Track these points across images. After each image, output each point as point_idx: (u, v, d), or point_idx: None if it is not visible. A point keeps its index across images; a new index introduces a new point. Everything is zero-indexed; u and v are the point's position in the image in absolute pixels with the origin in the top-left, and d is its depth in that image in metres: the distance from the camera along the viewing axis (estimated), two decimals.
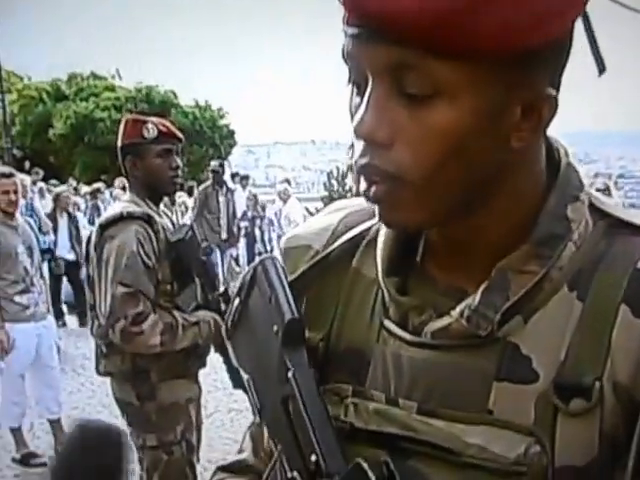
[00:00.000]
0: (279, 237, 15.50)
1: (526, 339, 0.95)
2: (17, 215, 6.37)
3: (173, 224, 3.87)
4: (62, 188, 13.61)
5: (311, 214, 22.00)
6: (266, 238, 16.69)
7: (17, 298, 6.07)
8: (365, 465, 0.86)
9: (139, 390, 3.78)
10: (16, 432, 6.34)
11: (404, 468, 0.94)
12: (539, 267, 0.96)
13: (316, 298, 1.11)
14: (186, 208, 15.42)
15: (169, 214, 4.09)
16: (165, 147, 3.82)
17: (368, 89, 0.90)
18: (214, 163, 13.62)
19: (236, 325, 1.10)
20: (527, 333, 0.95)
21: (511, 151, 0.91)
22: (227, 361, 3.92)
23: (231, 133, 32.69)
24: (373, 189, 0.92)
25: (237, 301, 1.09)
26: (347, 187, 28.32)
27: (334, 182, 28.56)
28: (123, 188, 12.48)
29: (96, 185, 16.09)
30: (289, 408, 0.97)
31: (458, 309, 0.96)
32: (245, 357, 1.10)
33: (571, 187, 1.00)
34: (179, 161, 3.89)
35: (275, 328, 1.00)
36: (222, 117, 32.59)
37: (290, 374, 0.97)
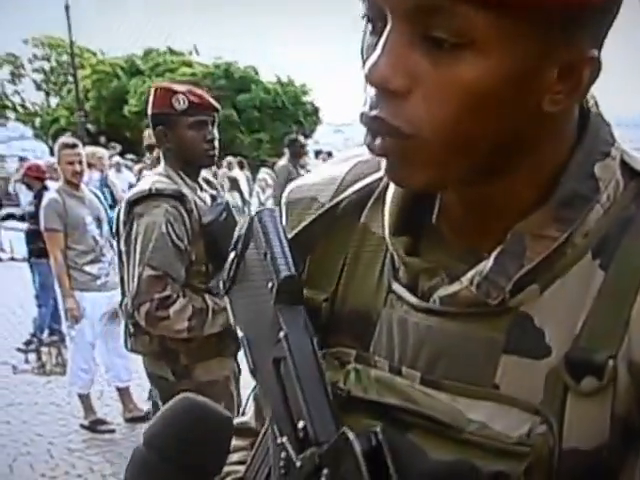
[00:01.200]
0: None
1: (541, 310, 0.89)
2: (82, 186, 6.50)
3: (214, 198, 3.78)
4: (145, 163, 13.61)
5: None
6: None
7: (87, 268, 6.16)
8: (351, 435, 0.82)
9: (173, 368, 3.67)
10: (84, 399, 6.43)
11: (401, 441, 0.91)
12: (559, 232, 0.89)
13: (320, 255, 1.05)
14: (267, 184, 15.85)
15: (215, 186, 3.97)
16: (198, 119, 3.67)
17: (386, 29, 0.81)
18: (292, 136, 12.48)
19: (232, 280, 1.05)
20: (542, 304, 0.89)
21: (542, 114, 0.84)
22: None
23: (315, 110, 32.23)
24: (378, 141, 0.84)
25: (233, 254, 1.05)
26: None
27: None
28: None
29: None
30: (280, 370, 0.93)
31: (469, 275, 0.91)
32: (241, 315, 1.05)
33: (600, 142, 0.92)
34: (215, 133, 3.73)
35: (270, 285, 0.96)
36: (305, 93, 32.05)
37: (282, 334, 0.93)
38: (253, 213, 1.01)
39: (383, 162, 0.86)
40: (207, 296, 3.58)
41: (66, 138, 6.98)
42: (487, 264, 0.89)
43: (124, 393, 6.47)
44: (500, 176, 0.89)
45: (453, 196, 0.94)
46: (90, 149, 10.12)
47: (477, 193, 0.91)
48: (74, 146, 6.40)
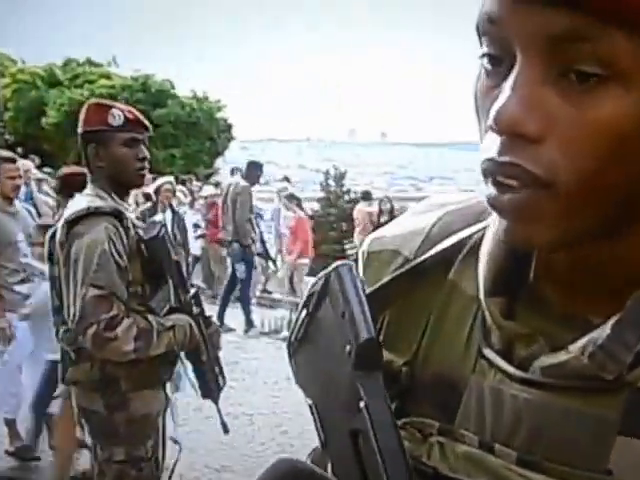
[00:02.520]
0: (278, 237, 15.58)
1: None
2: (15, 201, 6.35)
3: (143, 220, 3.72)
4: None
5: (311, 218, 22.01)
6: (265, 238, 16.58)
7: (17, 287, 6.00)
8: None
9: (108, 399, 3.61)
10: (11, 424, 6.29)
11: None
12: None
13: (401, 314, 0.97)
14: (180, 202, 15.13)
15: (153, 200, 4.00)
16: (132, 136, 3.69)
17: (516, 67, 0.72)
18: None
19: (301, 341, 0.97)
20: None
21: None
22: (196, 369, 3.86)
23: (228, 127, 32.49)
24: (508, 197, 0.74)
25: (304, 313, 0.95)
26: (345, 188, 28.51)
27: (331, 182, 28.72)
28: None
29: None
30: (359, 444, 0.86)
31: (579, 343, 0.80)
32: (310, 379, 0.97)
33: None
34: (146, 152, 3.72)
35: (348, 348, 0.88)
36: (220, 110, 32.42)
37: (362, 404, 0.85)
38: (331, 268, 0.92)
39: (502, 220, 0.77)
40: (150, 316, 3.53)
41: (4, 152, 6.96)
42: (603, 332, 0.79)
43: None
44: (621, 234, 0.79)
45: (559, 255, 0.84)
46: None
47: (589, 252, 0.81)
48: (14, 160, 6.30)
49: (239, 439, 6.53)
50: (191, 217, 15.33)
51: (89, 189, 3.68)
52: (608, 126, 0.71)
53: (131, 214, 3.69)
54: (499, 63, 0.75)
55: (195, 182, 17.69)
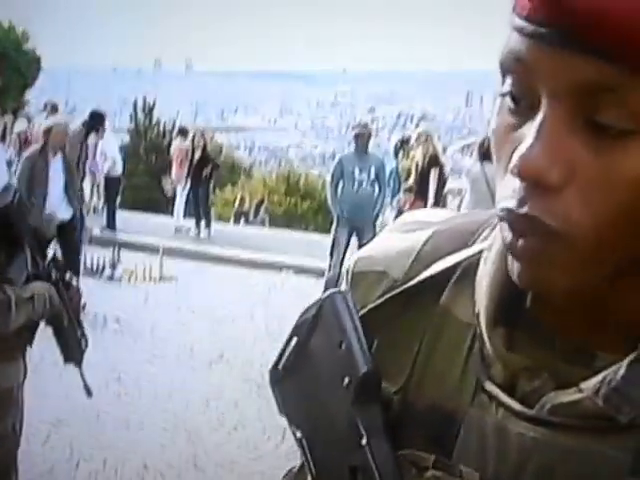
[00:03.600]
0: (92, 172, 15.33)
1: None
2: None
3: None
4: None
5: (121, 149, 21.53)
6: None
7: None
8: None
9: None
10: None
11: None
12: None
13: (391, 339, 0.91)
14: None
15: None
16: None
17: (540, 113, 0.70)
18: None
19: (289, 369, 0.91)
20: None
21: None
22: (58, 334, 3.80)
23: (37, 59, 31.11)
24: (522, 243, 0.72)
25: (294, 341, 0.90)
26: (155, 120, 28.13)
27: (140, 114, 28.29)
28: None
29: None
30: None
31: (592, 383, 0.76)
32: (299, 410, 0.91)
33: None
34: None
35: (346, 381, 0.84)
36: (27, 41, 30.99)
37: (364, 442, 0.82)
38: (324, 296, 0.89)
39: (514, 262, 0.75)
40: (7, 287, 3.42)
41: None
42: (617, 373, 0.75)
43: None
44: (634, 274, 0.76)
45: None
46: None
47: (598, 290, 0.77)
48: None
49: (72, 389, 6.37)
50: (3, 153, 14.89)
51: None
52: (631, 180, 0.68)
53: None
54: (522, 100, 0.72)
55: (5, 115, 17.03)
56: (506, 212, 0.73)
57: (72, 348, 3.84)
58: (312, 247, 14.20)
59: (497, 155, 0.75)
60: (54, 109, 18.20)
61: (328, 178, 11.64)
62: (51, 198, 9.57)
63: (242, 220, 21.28)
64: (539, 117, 0.70)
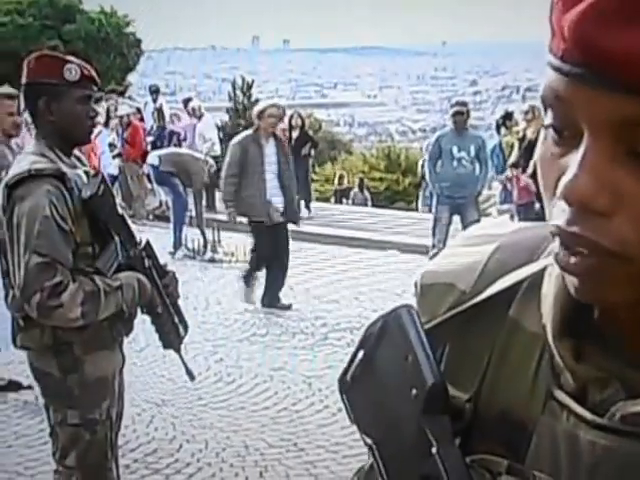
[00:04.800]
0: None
1: None
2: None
3: (88, 174, 3.53)
4: None
5: (220, 129, 21.76)
6: None
7: None
8: None
9: (62, 362, 3.49)
10: None
11: None
12: None
13: (461, 350, 0.95)
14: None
15: (85, 162, 3.80)
16: (86, 93, 3.55)
17: (582, 145, 0.73)
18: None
19: (357, 379, 0.95)
20: None
21: None
22: (155, 322, 3.82)
23: (138, 42, 31.60)
24: (575, 260, 0.75)
25: (361, 353, 0.94)
26: (253, 99, 28.29)
27: (239, 92, 28.49)
28: None
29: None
30: None
31: None
32: (368, 418, 0.95)
33: None
34: (96, 109, 3.61)
35: (414, 392, 0.87)
36: (128, 24, 31.48)
37: (434, 450, 0.84)
38: (389, 310, 0.93)
39: (572, 278, 0.78)
40: (97, 278, 3.43)
41: (4, 88, 6.54)
42: None
43: None
44: None
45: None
46: None
47: None
48: (12, 97, 6.01)
49: (176, 371, 6.48)
50: (106, 136, 15.18)
51: (33, 146, 3.55)
52: None
53: (78, 170, 3.54)
54: (564, 132, 0.76)
55: (107, 101, 17.26)
56: (557, 230, 0.76)
57: (169, 334, 3.85)
58: (415, 225, 14.15)
59: (543, 183, 0.79)
60: (155, 91, 18.47)
61: (426, 157, 11.57)
62: (266, 184, 9.13)
63: (342, 199, 21.22)
64: (582, 149, 0.73)
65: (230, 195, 9.15)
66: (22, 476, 5.28)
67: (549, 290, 0.88)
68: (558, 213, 0.76)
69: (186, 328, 3.96)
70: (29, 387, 6.13)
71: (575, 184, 0.72)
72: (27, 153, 3.56)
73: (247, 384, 6.93)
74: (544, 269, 0.90)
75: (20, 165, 3.46)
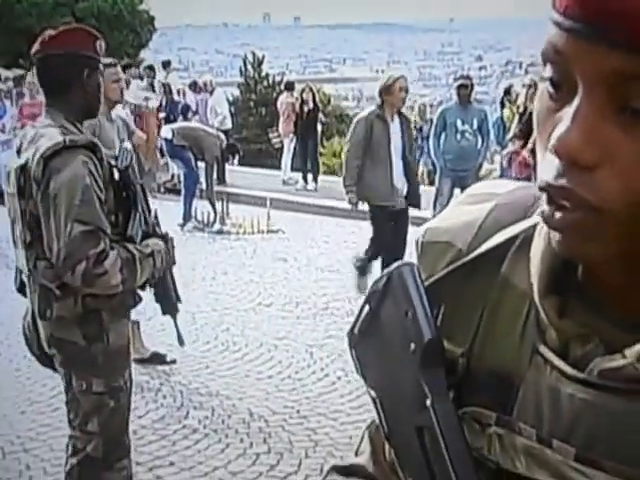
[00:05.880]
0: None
1: None
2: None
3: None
4: None
5: (231, 103, 21.72)
6: None
7: None
8: None
9: (87, 331, 3.47)
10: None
11: None
12: None
13: (456, 306, 0.96)
14: None
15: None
16: (102, 69, 3.64)
17: (576, 99, 0.74)
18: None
19: (363, 334, 0.98)
20: None
21: None
22: (156, 287, 3.84)
23: (151, 19, 31.50)
24: (559, 215, 0.76)
25: (367, 309, 0.97)
26: (264, 73, 28.27)
27: (250, 68, 28.46)
28: None
29: (19, 71, 15.73)
30: (424, 439, 0.87)
31: (635, 350, 0.79)
32: (373, 372, 0.98)
33: None
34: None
35: (412, 347, 0.89)
36: (141, 2, 31.28)
37: (428, 402, 0.86)
38: (393, 267, 0.94)
39: (555, 233, 0.78)
40: (129, 245, 3.44)
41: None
42: None
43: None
44: None
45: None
46: None
47: (635, 259, 0.80)
48: (115, 65, 6.04)
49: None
50: (120, 112, 15.14)
51: (50, 119, 3.49)
52: None
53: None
54: (561, 87, 0.76)
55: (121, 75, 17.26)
56: (545, 184, 0.77)
57: (169, 300, 3.92)
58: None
59: (538, 135, 0.79)
60: (166, 65, 18.45)
61: (432, 130, 11.53)
62: (393, 166, 8.12)
63: None
64: (575, 102, 0.74)
65: (352, 179, 8.09)
66: (34, 441, 5.32)
67: (537, 248, 0.89)
68: (547, 167, 0.76)
69: (178, 297, 4.01)
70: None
71: (566, 137, 0.73)
72: (46, 126, 3.47)
73: (252, 353, 6.95)
74: (535, 226, 0.91)
75: (51, 137, 3.37)
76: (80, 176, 3.27)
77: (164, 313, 3.98)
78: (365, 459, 1.12)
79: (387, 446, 1.05)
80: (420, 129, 15.87)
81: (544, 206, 0.78)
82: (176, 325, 4.04)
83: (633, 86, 0.71)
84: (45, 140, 3.35)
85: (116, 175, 3.45)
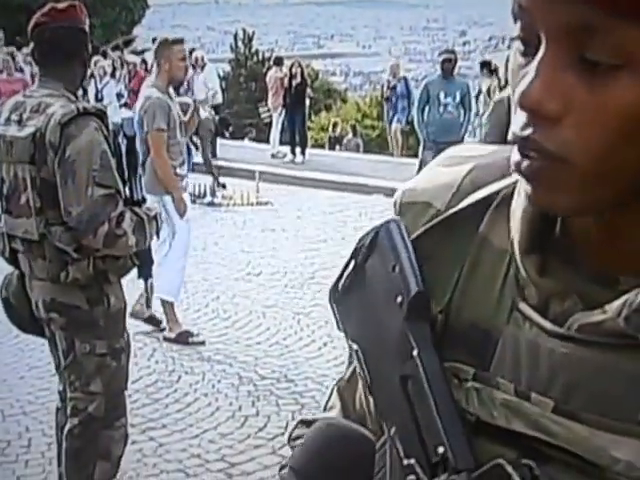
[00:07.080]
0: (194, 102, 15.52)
1: None
2: None
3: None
4: None
5: (222, 78, 21.67)
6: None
7: (179, 170, 6.05)
8: (509, 468, 0.77)
9: (89, 294, 3.51)
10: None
11: (540, 474, 0.80)
12: None
13: (434, 264, 0.92)
14: (104, 72, 15.23)
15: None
16: None
17: (540, 52, 0.74)
18: None
19: (346, 289, 0.95)
20: None
21: None
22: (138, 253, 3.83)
23: None
24: (526, 163, 0.77)
25: (352, 264, 0.94)
26: (254, 49, 28.21)
27: (240, 44, 28.37)
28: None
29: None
30: (408, 389, 0.86)
31: (615, 306, 0.78)
32: (355, 325, 0.95)
33: None
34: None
35: (399, 299, 0.88)
36: None
37: (415, 353, 0.85)
38: (379, 224, 0.94)
39: (527, 185, 0.78)
40: (136, 209, 3.49)
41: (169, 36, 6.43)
42: (638, 296, 0.77)
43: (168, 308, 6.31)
44: None
45: (585, 218, 0.83)
46: None
47: (617, 217, 0.80)
48: (182, 41, 6.06)
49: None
50: (113, 87, 15.13)
51: (51, 88, 3.48)
52: (619, 111, 0.72)
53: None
54: (528, 43, 0.76)
55: (114, 52, 17.19)
56: (514, 135, 0.77)
57: (146, 264, 3.97)
58: (401, 170, 14.14)
59: (513, 93, 0.79)
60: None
61: (415, 102, 11.55)
62: None
63: (336, 145, 21.20)
64: (538, 56, 0.74)
65: None
66: (33, 404, 5.40)
67: (518, 205, 0.88)
68: (516, 120, 0.77)
69: (152, 263, 4.06)
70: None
71: (528, 89, 0.73)
72: (47, 95, 3.45)
73: (242, 320, 7.00)
74: (515, 184, 0.90)
75: (60, 105, 3.36)
76: (97, 141, 3.31)
77: (139, 276, 4.04)
78: (335, 413, 1.10)
79: (357, 399, 1.06)
80: (394, 88, 16.02)
81: (514, 155, 0.78)
82: (146, 290, 4.08)
83: (589, 37, 0.71)
84: (57, 107, 3.34)
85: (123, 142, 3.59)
